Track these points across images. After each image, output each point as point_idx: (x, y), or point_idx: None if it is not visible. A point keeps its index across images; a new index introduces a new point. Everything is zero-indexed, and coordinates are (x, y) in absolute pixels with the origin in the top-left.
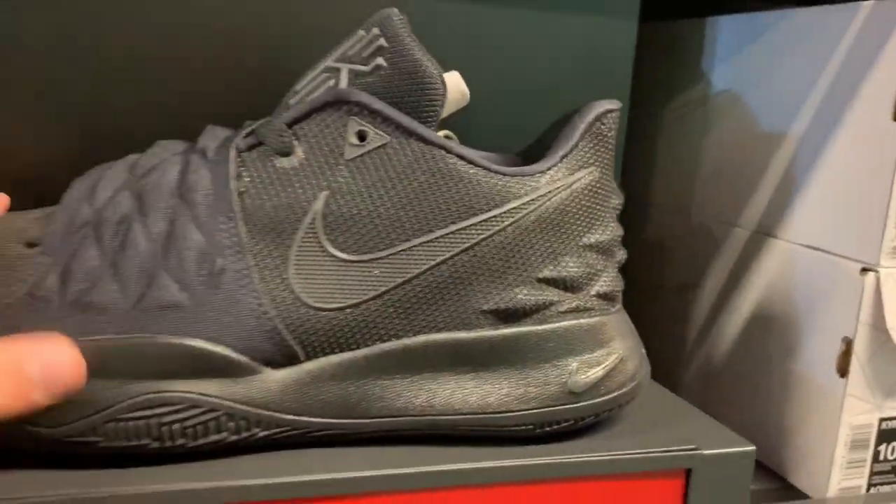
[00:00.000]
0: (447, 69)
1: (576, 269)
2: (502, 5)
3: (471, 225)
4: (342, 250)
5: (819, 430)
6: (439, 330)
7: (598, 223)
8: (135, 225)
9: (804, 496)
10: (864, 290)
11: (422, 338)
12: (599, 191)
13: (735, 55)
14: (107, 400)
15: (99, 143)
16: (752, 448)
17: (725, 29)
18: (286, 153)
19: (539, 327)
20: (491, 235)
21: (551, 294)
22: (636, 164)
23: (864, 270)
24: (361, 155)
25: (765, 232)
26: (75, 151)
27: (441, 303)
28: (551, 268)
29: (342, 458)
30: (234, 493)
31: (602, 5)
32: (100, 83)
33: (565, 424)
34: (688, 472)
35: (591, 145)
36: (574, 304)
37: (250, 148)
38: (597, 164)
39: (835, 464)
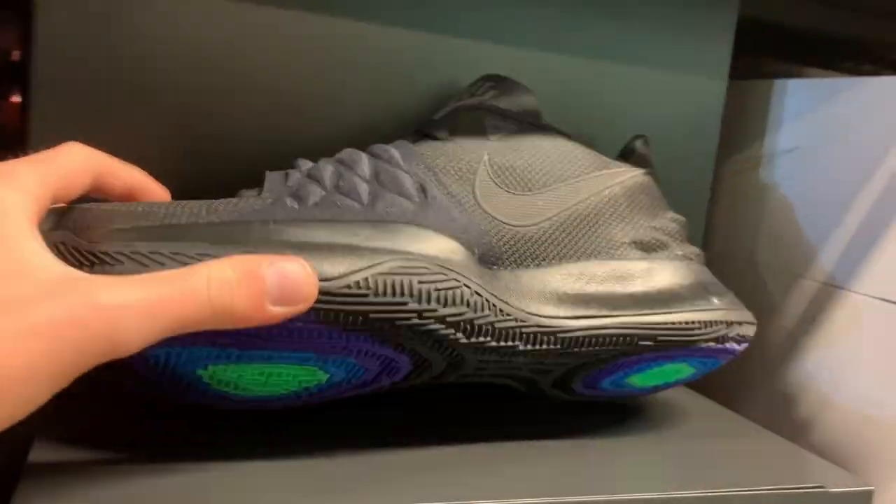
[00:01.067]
0: (557, 120)
1: (669, 227)
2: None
3: (598, 176)
4: (508, 190)
5: (888, 475)
6: (597, 255)
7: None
8: (346, 172)
9: None
10: None
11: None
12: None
13: (805, 116)
14: (373, 258)
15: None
16: (871, 488)
17: (798, 91)
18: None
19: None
20: (612, 186)
21: (665, 238)
22: (711, 214)
23: None
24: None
25: (836, 285)
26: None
27: (590, 231)
28: (655, 222)
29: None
30: None
31: (694, 68)
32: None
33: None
34: None
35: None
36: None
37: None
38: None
39: None
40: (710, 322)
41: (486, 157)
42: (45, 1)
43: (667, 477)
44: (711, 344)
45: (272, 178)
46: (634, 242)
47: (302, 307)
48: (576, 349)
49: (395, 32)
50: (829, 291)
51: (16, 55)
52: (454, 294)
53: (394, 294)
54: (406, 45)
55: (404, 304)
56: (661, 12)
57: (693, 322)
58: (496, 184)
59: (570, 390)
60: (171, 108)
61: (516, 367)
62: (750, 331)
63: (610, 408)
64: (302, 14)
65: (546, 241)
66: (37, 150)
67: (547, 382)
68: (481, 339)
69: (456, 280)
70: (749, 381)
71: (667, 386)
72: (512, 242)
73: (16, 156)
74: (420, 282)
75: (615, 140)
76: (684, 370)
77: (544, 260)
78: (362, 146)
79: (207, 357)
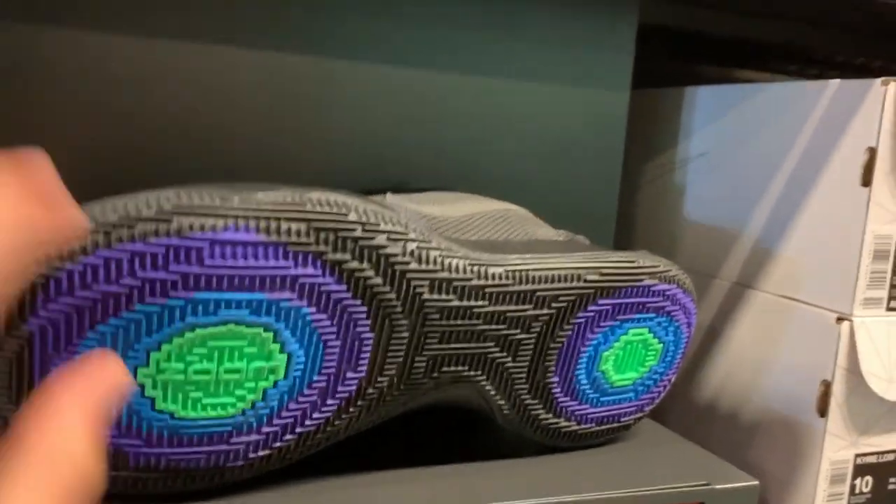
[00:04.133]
0: (467, 136)
1: None
2: (511, 82)
3: None
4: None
5: (802, 466)
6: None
7: None
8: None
9: None
10: (840, 338)
11: None
12: None
13: (714, 122)
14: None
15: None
16: (756, 483)
17: (706, 97)
18: None
19: None
20: None
21: None
22: (623, 221)
23: (840, 320)
24: None
25: (745, 284)
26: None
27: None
28: None
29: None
30: None
31: (595, 79)
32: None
33: None
34: None
35: None
36: None
37: None
38: None
39: (817, 497)
40: (651, 263)
41: None
42: None
43: (558, 481)
44: (657, 283)
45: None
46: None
47: None
48: (531, 287)
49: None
50: (740, 291)
51: None
52: (397, 220)
53: (336, 205)
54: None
55: (344, 214)
56: (564, 29)
57: (630, 259)
58: None
59: (549, 390)
60: (79, 148)
61: (478, 328)
62: (689, 282)
63: None
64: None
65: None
66: None
67: (521, 376)
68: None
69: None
70: None
71: (643, 383)
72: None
73: None
74: (365, 207)
75: (522, 154)
76: (650, 342)
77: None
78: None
79: (150, 335)
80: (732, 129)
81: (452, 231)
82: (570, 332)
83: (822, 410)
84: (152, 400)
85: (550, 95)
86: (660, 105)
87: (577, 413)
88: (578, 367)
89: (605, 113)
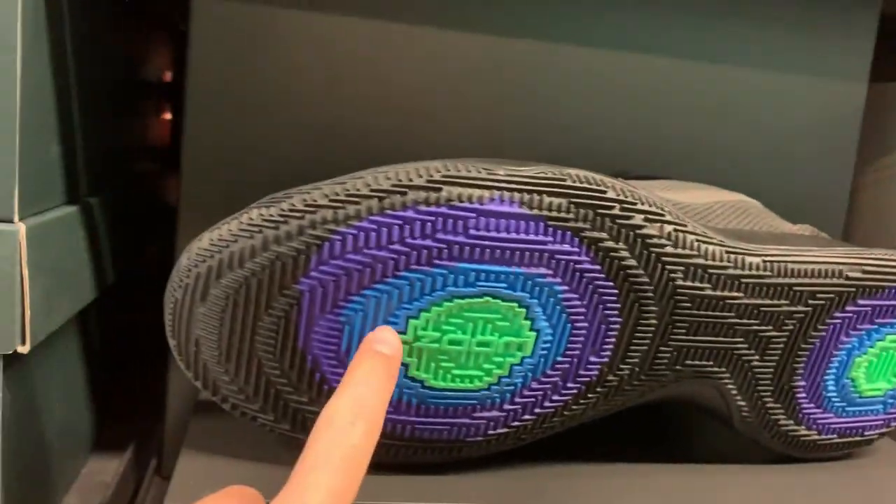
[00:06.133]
0: (695, 125)
1: None
2: (743, 70)
3: None
4: None
5: None
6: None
7: None
8: None
9: None
10: None
11: None
12: None
13: None
14: None
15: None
16: None
17: None
18: None
19: None
20: None
21: None
22: (849, 220)
23: None
24: None
25: None
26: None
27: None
28: None
29: None
30: None
31: (832, 69)
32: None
33: None
34: None
35: None
36: None
37: None
38: None
39: None
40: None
41: None
42: (199, 25)
43: (794, 496)
44: None
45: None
46: None
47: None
48: (790, 280)
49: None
50: None
51: (167, 75)
52: (653, 201)
53: (595, 182)
54: (510, 55)
55: (603, 192)
56: (799, 13)
57: (895, 257)
58: None
59: (793, 394)
60: (313, 127)
61: (729, 321)
62: None
63: None
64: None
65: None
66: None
67: (766, 377)
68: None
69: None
70: None
71: (894, 395)
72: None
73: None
74: (623, 187)
75: (751, 145)
76: None
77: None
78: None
79: (411, 302)
80: None
81: (699, 218)
82: (824, 333)
83: None
84: (406, 367)
85: (785, 85)
86: (891, 100)
87: (819, 421)
88: (828, 371)
89: (840, 105)
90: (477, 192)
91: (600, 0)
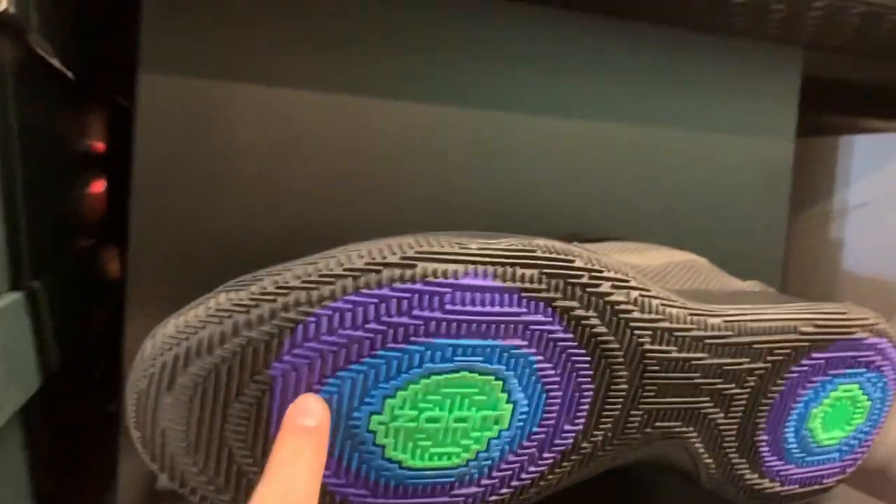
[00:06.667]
0: (633, 186)
1: None
2: (676, 130)
3: None
4: None
5: None
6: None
7: None
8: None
9: None
10: None
11: None
12: None
13: (875, 171)
14: None
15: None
16: None
17: (867, 146)
18: None
19: None
20: None
21: None
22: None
23: None
24: None
25: None
26: None
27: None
28: None
29: None
30: None
31: (761, 127)
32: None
33: None
34: None
35: None
36: None
37: None
38: None
39: None
40: (860, 314)
41: None
42: (147, 100)
43: None
44: (869, 336)
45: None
46: None
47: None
48: (749, 339)
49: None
50: None
51: (102, 147)
52: (618, 268)
53: (563, 252)
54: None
55: (571, 261)
56: (729, 77)
57: (842, 311)
58: None
59: (756, 449)
60: (262, 203)
61: (694, 381)
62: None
63: None
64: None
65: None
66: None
67: (731, 433)
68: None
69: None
70: None
71: (848, 443)
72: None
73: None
74: (589, 255)
75: (688, 202)
76: (859, 399)
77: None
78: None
79: (388, 381)
80: (892, 178)
81: (658, 280)
82: (782, 388)
83: None
84: (383, 448)
85: (716, 144)
86: (818, 154)
87: (781, 473)
88: (788, 424)
89: (770, 160)
90: (452, 268)
91: (542, 69)
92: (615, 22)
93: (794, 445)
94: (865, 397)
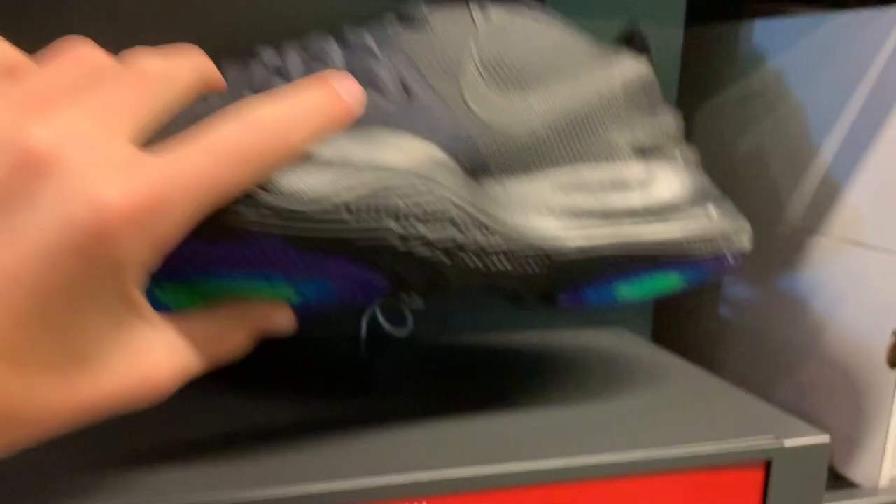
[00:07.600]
0: None
1: (668, 127)
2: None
3: (596, 69)
4: (498, 86)
5: (871, 421)
6: (592, 160)
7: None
8: (315, 65)
9: (855, 486)
10: None
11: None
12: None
13: (775, 57)
14: (353, 177)
15: None
16: (827, 439)
17: (765, 32)
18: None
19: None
20: (611, 82)
21: (664, 140)
22: None
23: None
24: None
25: (808, 230)
26: None
27: (585, 133)
28: (654, 122)
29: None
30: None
31: (649, 12)
32: None
33: None
34: (768, 464)
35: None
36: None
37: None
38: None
39: (886, 454)
40: (709, 237)
41: (473, 48)
42: None
43: (610, 436)
44: (708, 257)
45: (231, 72)
46: (632, 145)
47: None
48: (568, 270)
49: None
50: (802, 237)
51: None
52: (440, 213)
53: (377, 219)
54: None
55: (388, 228)
56: None
57: (691, 238)
58: (484, 80)
59: (553, 301)
60: None
61: (502, 286)
62: (746, 241)
63: (573, 367)
64: None
65: (537, 145)
66: None
67: (532, 296)
68: (468, 263)
69: (442, 197)
70: (727, 335)
71: (653, 296)
72: (501, 148)
73: None
74: (405, 203)
75: None
76: (674, 281)
77: (535, 167)
78: (330, 27)
79: (163, 275)
80: (793, 65)
81: (516, 159)
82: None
83: (893, 361)
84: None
85: (601, 33)
86: (713, 42)
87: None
88: (587, 293)
89: (658, 48)
90: None
91: None
92: None
93: (594, 297)
94: (682, 281)
